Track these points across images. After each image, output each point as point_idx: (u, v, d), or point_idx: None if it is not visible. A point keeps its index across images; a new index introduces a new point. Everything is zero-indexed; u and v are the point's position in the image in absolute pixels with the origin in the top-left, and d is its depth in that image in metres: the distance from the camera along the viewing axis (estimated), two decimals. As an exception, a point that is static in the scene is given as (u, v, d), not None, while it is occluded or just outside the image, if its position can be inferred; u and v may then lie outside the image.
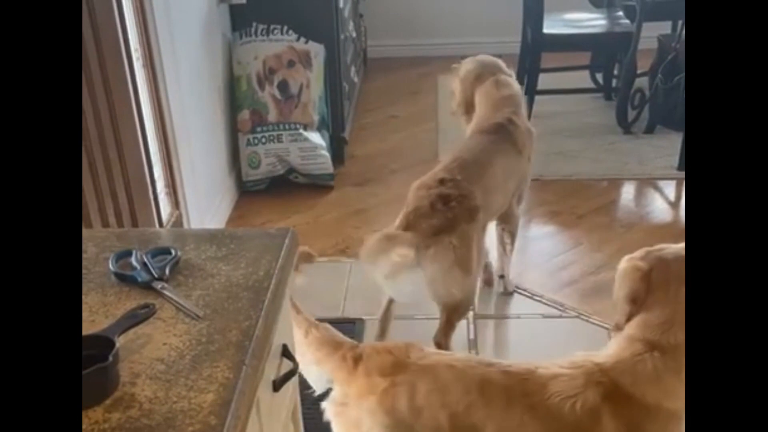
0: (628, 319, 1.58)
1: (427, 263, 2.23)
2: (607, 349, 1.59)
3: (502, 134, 2.53)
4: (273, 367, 1.19)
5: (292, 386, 1.35)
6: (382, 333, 2.56)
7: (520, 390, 1.50)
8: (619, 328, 1.61)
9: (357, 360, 1.56)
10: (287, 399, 1.31)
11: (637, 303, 1.56)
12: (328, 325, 1.67)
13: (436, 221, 2.24)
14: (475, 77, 2.70)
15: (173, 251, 1.21)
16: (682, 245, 1.64)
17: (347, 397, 1.55)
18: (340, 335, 1.65)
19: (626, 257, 1.67)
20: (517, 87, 2.71)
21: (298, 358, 1.30)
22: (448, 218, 2.24)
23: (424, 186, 2.32)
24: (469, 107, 2.72)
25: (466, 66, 2.77)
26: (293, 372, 1.24)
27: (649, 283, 1.57)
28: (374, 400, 1.51)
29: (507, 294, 2.83)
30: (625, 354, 1.51)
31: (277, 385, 1.19)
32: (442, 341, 2.40)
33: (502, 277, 2.85)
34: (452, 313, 2.37)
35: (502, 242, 2.77)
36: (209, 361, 0.99)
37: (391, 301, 2.53)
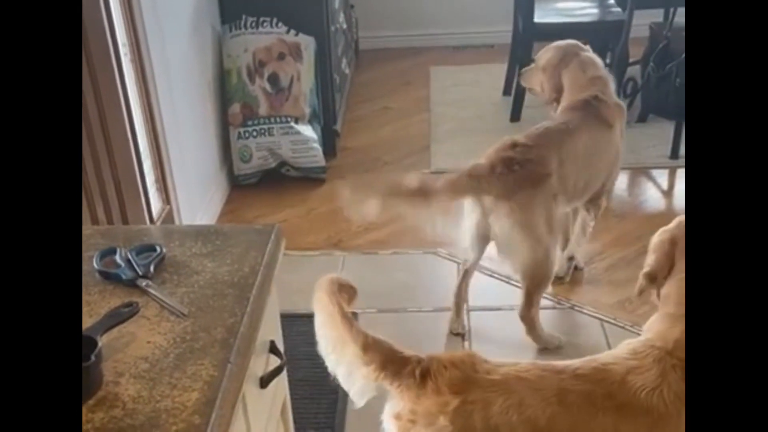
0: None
1: (492, 228, 2.32)
2: (649, 331, 1.59)
3: (589, 109, 2.56)
4: (260, 364, 1.18)
5: (280, 382, 1.34)
6: (458, 311, 2.60)
7: (602, 393, 1.44)
8: (651, 278, 1.65)
9: (425, 376, 1.48)
10: (275, 395, 1.31)
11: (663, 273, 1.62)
12: (381, 338, 1.59)
13: (487, 184, 2.28)
14: (559, 61, 2.73)
15: (158, 248, 1.20)
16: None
17: (415, 415, 1.47)
18: (397, 348, 1.57)
19: (659, 230, 1.72)
20: (601, 64, 2.76)
21: (344, 373, 1.39)
22: (506, 183, 2.27)
23: (493, 149, 2.37)
24: (559, 93, 2.75)
25: (546, 54, 2.80)
26: (281, 368, 1.23)
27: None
28: (446, 420, 1.43)
29: (579, 270, 2.85)
30: (676, 332, 1.50)
31: (265, 382, 1.18)
32: (525, 315, 2.46)
33: (570, 259, 2.85)
34: (527, 284, 2.42)
35: (582, 223, 2.79)
36: (194, 359, 0.98)
37: (466, 273, 2.59)
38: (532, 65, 2.90)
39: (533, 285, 2.41)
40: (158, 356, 0.99)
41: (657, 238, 1.69)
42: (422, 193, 2.25)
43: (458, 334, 2.60)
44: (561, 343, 2.51)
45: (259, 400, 1.17)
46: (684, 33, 3.72)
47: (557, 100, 2.74)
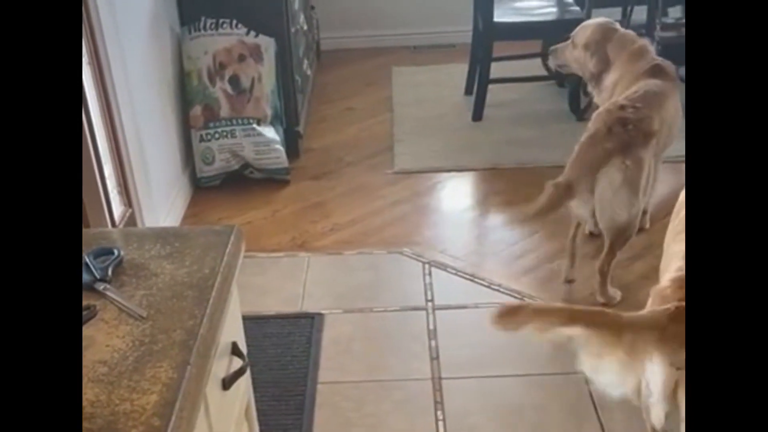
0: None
1: (599, 183, 2.47)
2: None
3: (665, 74, 2.76)
4: (222, 366, 1.18)
5: (243, 384, 1.34)
6: (572, 260, 2.80)
7: None
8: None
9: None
10: (239, 397, 1.30)
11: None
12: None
13: (610, 144, 2.47)
14: (602, 37, 2.94)
15: (116, 251, 1.19)
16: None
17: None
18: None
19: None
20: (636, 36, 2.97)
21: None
22: (623, 140, 2.48)
23: (604, 112, 2.57)
24: (606, 66, 2.92)
25: (585, 33, 3.01)
26: (243, 369, 1.23)
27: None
28: None
29: (643, 230, 2.94)
30: None
31: (227, 384, 1.18)
32: (603, 268, 2.62)
33: (645, 213, 2.97)
34: (616, 238, 2.58)
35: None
36: (153, 361, 0.98)
37: (578, 226, 2.80)
38: (565, 43, 3.11)
39: (621, 239, 2.59)
40: (117, 359, 0.99)
41: None
42: (568, 189, 2.48)
43: (571, 281, 2.81)
44: (619, 299, 2.68)
45: (222, 402, 1.17)
46: (642, 31, 3.79)
47: (601, 74, 2.94)
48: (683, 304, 1.56)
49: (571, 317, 1.58)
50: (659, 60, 2.81)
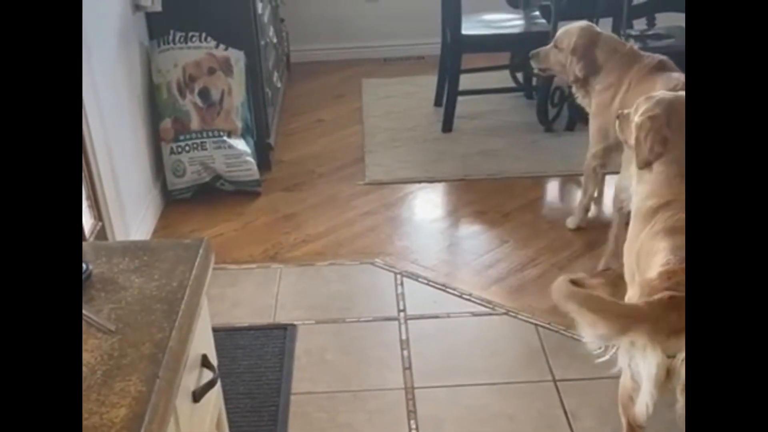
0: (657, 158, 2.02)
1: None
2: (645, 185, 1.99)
3: (673, 67, 2.79)
4: (192, 378, 1.18)
5: (215, 396, 1.34)
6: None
7: None
8: (649, 162, 2.05)
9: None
10: (210, 409, 1.30)
11: (665, 144, 2.00)
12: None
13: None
14: (589, 41, 2.98)
15: (84, 265, 1.19)
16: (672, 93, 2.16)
17: None
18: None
19: (640, 112, 2.10)
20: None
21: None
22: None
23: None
24: (594, 70, 2.97)
25: (570, 38, 3.05)
26: (213, 382, 1.23)
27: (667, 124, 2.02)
28: None
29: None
30: None
31: (198, 396, 1.18)
32: None
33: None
34: None
35: None
36: (121, 375, 0.98)
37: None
38: (548, 47, 3.16)
39: None
40: (85, 373, 0.99)
41: (644, 118, 2.08)
42: None
43: (608, 269, 2.86)
44: None
45: (193, 414, 1.17)
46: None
47: (588, 77, 2.99)
48: (676, 293, 1.60)
49: (568, 295, 1.60)
50: (660, 56, 2.85)
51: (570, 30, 3.08)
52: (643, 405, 1.66)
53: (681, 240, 1.78)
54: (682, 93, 2.32)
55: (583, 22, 3.09)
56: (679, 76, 2.70)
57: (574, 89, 3.14)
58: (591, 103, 3.04)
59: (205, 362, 1.24)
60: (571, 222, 3.22)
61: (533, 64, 3.29)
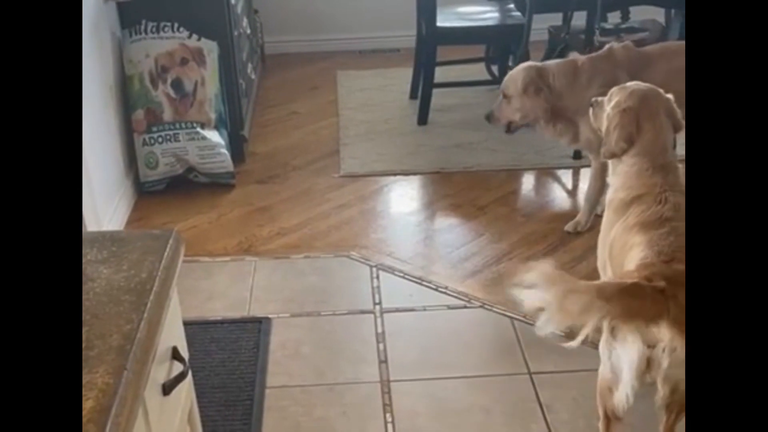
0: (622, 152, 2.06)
1: None
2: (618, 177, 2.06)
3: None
4: (162, 371, 1.16)
5: (185, 388, 1.32)
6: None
7: None
8: (614, 155, 2.09)
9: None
10: (180, 402, 1.28)
11: (633, 138, 2.04)
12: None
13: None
14: (537, 75, 2.95)
15: (51, 256, 1.16)
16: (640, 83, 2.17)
17: None
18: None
19: (612, 103, 2.13)
20: None
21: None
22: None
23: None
24: (554, 99, 2.94)
25: (516, 81, 2.99)
26: (184, 374, 1.21)
27: (639, 118, 2.05)
28: None
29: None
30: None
31: (167, 389, 1.16)
32: None
33: None
34: None
35: None
36: (88, 367, 0.95)
37: None
38: (498, 102, 3.09)
39: None
40: (51, 366, 0.96)
41: (617, 110, 2.12)
42: None
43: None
44: None
45: (163, 408, 1.15)
46: (581, 36, 3.87)
47: (551, 108, 2.96)
48: (642, 282, 1.60)
49: (547, 279, 1.59)
50: (615, 42, 2.91)
51: (513, 75, 3.02)
52: (623, 395, 1.66)
53: (656, 234, 1.78)
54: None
55: (525, 64, 3.04)
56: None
57: (540, 125, 3.04)
58: (578, 131, 2.97)
59: (175, 355, 1.22)
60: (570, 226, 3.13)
61: (493, 124, 3.20)
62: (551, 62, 2.99)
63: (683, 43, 3.01)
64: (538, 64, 3.00)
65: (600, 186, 2.94)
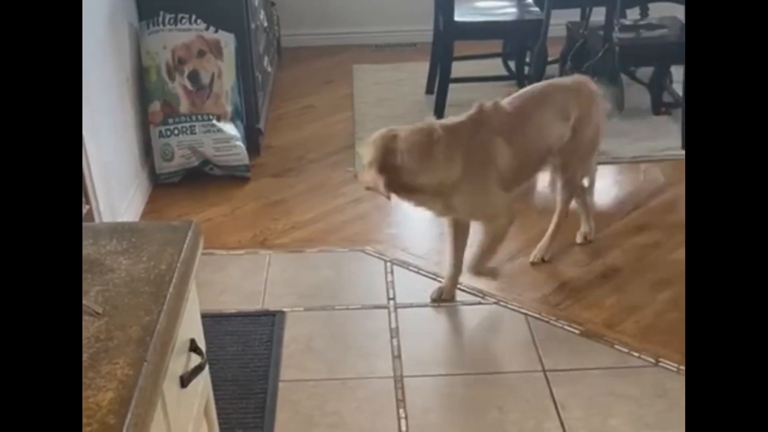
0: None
1: None
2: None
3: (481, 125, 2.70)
4: (180, 363, 1.16)
5: (203, 381, 1.32)
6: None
7: None
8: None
9: None
10: (198, 394, 1.28)
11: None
12: None
13: None
14: (390, 137, 2.59)
15: (70, 246, 1.16)
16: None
17: None
18: None
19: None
20: None
21: None
22: None
23: None
24: (418, 166, 2.57)
25: (371, 149, 2.52)
26: (201, 366, 1.21)
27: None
28: None
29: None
30: None
31: (185, 381, 1.16)
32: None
33: None
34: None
35: None
36: (108, 358, 0.95)
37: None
38: (369, 173, 2.52)
39: None
40: (71, 356, 0.96)
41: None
42: None
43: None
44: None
45: (180, 400, 1.15)
46: (600, 32, 3.84)
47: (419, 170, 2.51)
48: None
49: None
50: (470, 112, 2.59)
51: (368, 140, 2.55)
52: None
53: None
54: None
55: (383, 130, 2.54)
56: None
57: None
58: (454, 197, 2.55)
59: (193, 347, 1.22)
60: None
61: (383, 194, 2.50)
62: (404, 133, 2.51)
63: (545, 87, 2.86)
64: (396, 131, 2.52)
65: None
